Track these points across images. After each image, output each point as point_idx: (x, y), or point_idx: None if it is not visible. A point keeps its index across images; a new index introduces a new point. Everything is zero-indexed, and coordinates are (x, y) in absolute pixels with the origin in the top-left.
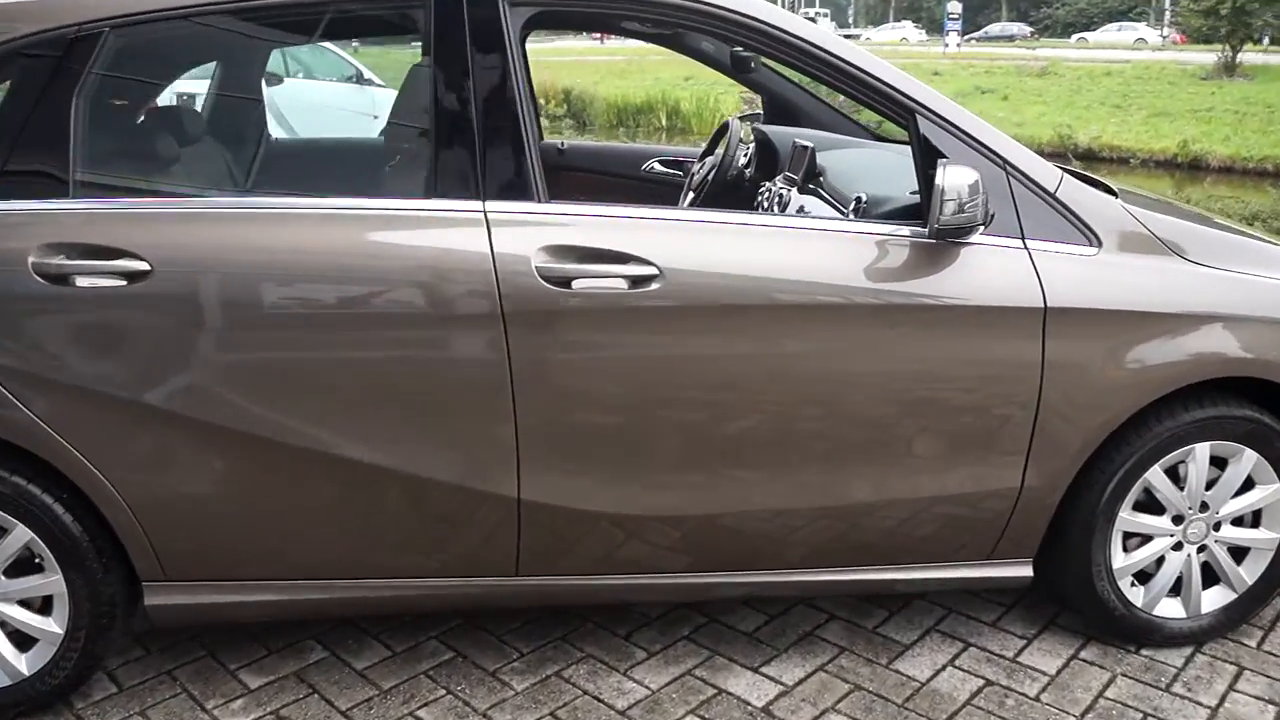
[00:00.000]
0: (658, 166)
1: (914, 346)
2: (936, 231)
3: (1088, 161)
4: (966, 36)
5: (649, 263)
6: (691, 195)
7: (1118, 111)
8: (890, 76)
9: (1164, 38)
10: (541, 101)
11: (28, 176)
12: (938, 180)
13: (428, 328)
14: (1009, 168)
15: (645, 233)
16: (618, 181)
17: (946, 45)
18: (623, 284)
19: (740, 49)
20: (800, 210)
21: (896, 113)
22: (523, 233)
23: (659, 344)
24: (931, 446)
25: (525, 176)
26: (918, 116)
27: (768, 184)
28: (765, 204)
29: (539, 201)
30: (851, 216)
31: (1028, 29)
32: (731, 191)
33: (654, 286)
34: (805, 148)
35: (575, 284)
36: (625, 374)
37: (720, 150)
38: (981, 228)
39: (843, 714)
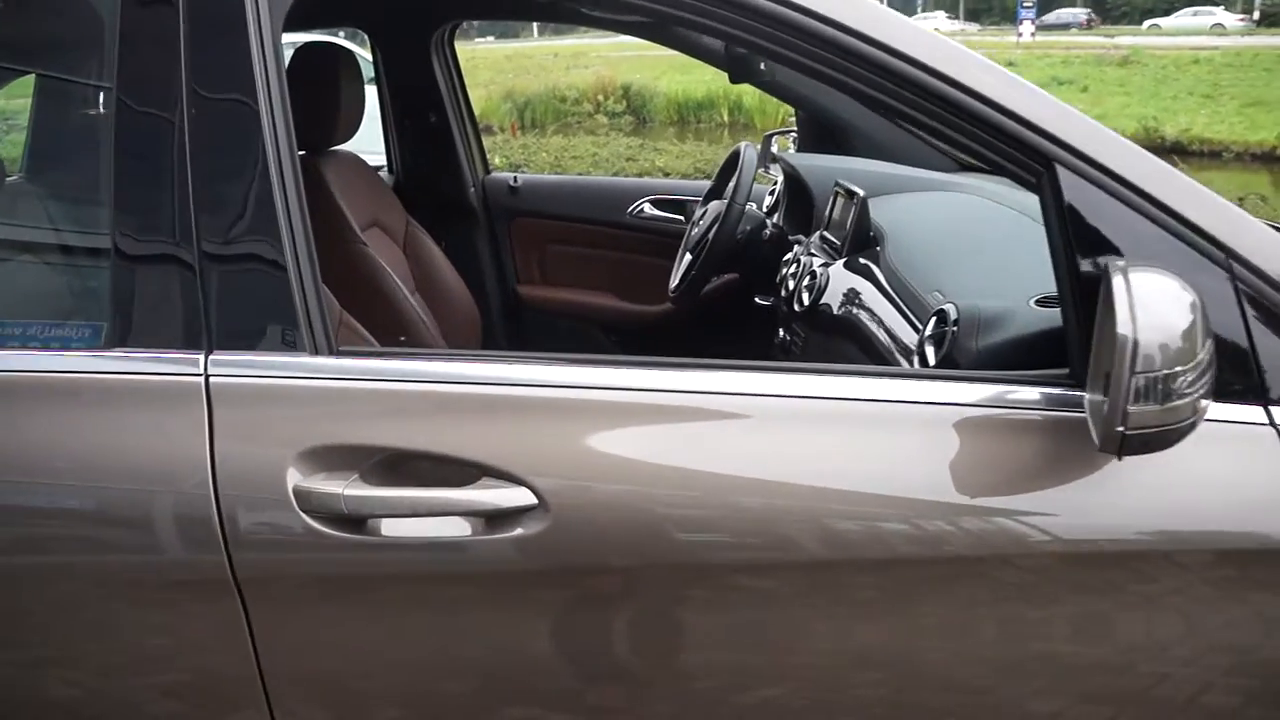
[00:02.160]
0: (649, 209)
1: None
2: (1118, 441)
3: (1179, 158)
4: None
5: (521, 481)
6: (687, 260)
7: (1208, 102)
8: (1012, 95)
9: (1255, 22)
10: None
11: None
12: (1117, 321)
13: (108, 599)
14: (1235, 262)
15: (521, 418)
16: (592, 232)
17: (1020, 34)
18: (465, 526)
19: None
20: (849, 307)
21: (1014, 159)
22: (277, 418)
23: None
24: None
25: (290, 300)
26: (1059, 169)
27: (797, 248)
28: (790, 288)
29: (317, 352)
30: (927, 348)
31: (1083, 15)
32: (743, 258)
33: (523, 530)
34: (852, 195)
35: (380, 526)
36: None
37: (728, 194)
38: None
39: None
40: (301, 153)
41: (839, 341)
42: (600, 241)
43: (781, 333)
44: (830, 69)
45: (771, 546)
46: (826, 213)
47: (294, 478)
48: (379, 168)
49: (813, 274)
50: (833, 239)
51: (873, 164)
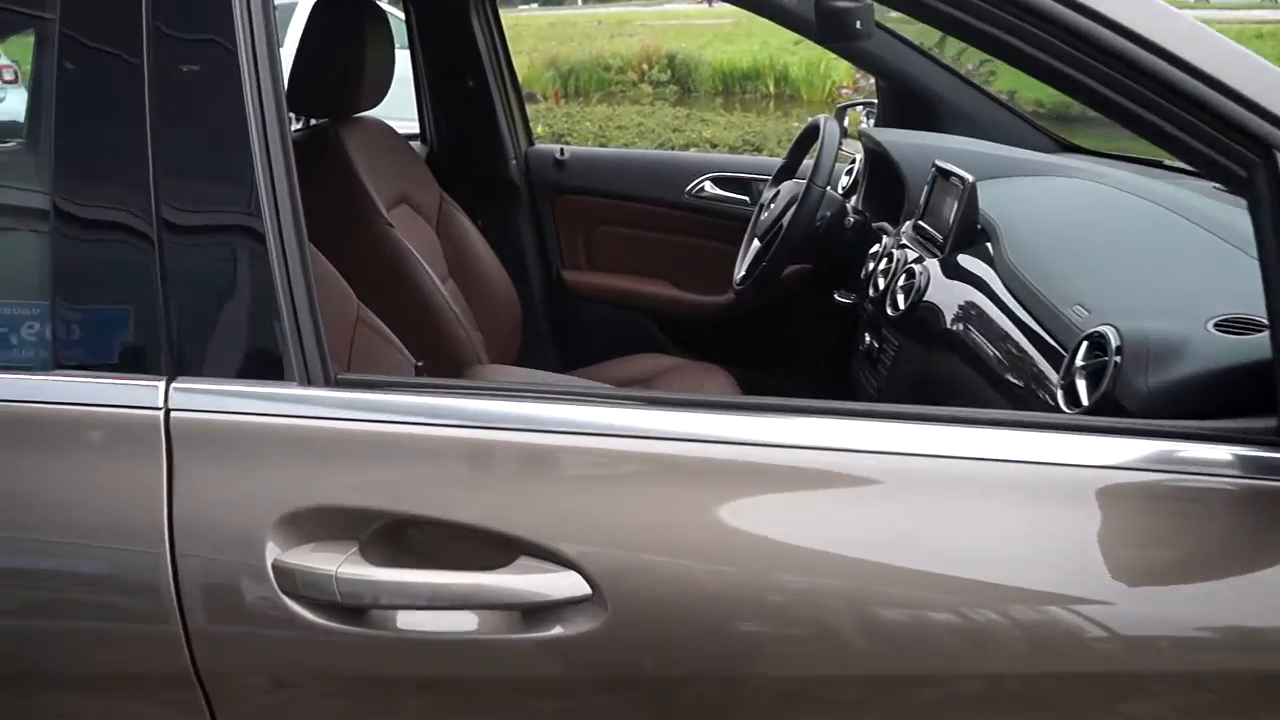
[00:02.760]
0: (710, 188)
1: None
2: None
3: None
4: None
5: (571, 564)
6: (755, 247)
7: None
8: (1230, 67)
9: None
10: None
11: None
12: None
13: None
14: None
15: (573, 479)
16: (646, 212)
17: None
18: (496, 622)
19: None
20: (958, 318)
21: (1219, 145)
22: (255, 468)
23: None
24: None
25: (275, 312)
26: None
27: (886, 240)
28: (879, 287)
29: (310, 381)
30: (1079, 383)
31: None
32: (821, 248)
33: (572, 628)
34: (955, 179)
35: (385, 619)
36: None
37: (804, 174)
38: None
39: None
40: (322, 120)
41: (943, 357)
42: (655, 223)
43: (868, 338)
44: (997, 28)
45: (912, 653)
46: (922, 199)
47: (274, 549)
48: (411, 137)
49: (909, 272)
50: (931, 231)
51: (970, 142)
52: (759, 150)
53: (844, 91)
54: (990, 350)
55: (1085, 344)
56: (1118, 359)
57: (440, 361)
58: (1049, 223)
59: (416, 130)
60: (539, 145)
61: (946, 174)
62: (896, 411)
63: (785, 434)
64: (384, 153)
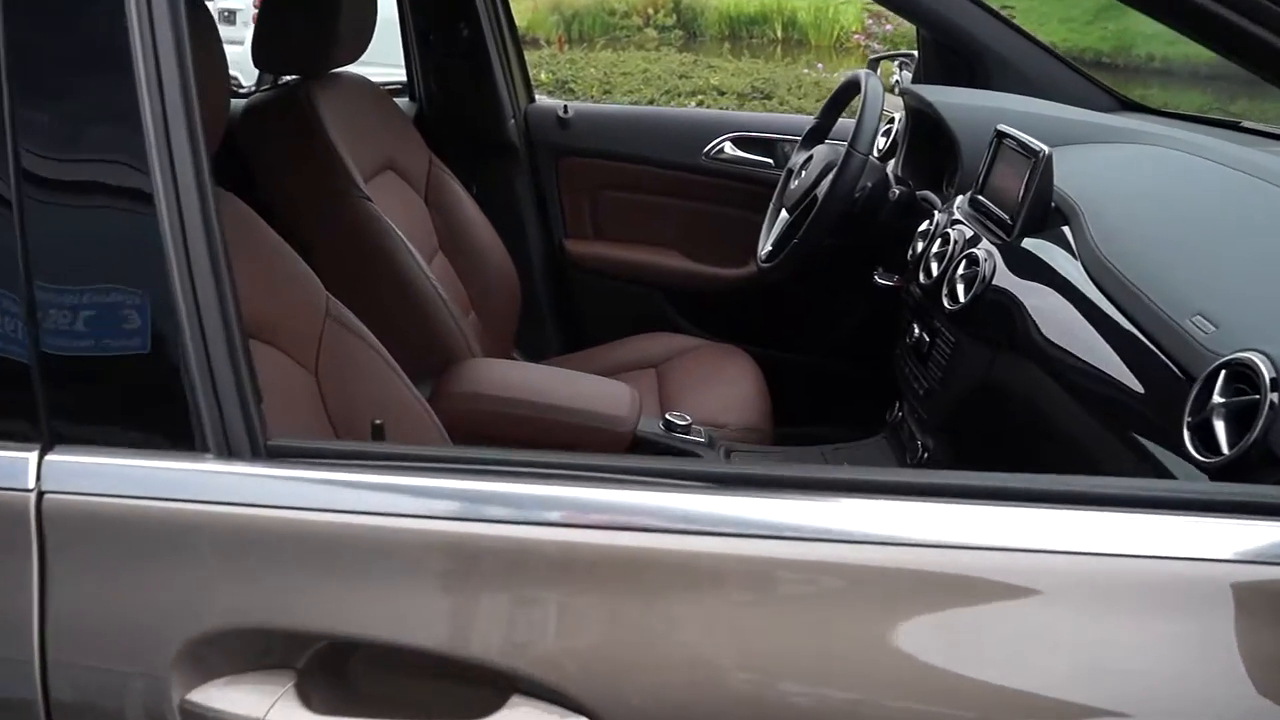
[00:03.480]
0: (730, 149)
1: None
2: None
3: None
4: None
5: (580, 708)
6: (784, 219)
7: None
8: None
9: None
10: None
11: None
12: None
13: None
14: None
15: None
16: (659, 176)
17: None
18: None
19: None
20: (1038, 321)
21: None
22: (155, 571)
23: None
24: None
25: (183, 361)
26: None
27: (939, 216)
28: (933, 273)
29: (231, 452)
30: (1217, 426)
31: None
32: (860, 223)
33: None
34: (1024, 149)
35: None
36: None
37: (850, 136)
38: None
39: None
40: (292, 77)
41: (1013, 363)
42: (668, 188)
43: (916, 329)
44: None
45: None
46: (981, 170)
47: (181, 683)
48: (396, 92)
49: (971, 258)
50: (994, 209)
51: (1031, 102)
52: (768, 98)
53: (856, 38)
54: (1078, 362)
55: (1222, 375)
56: (1275, 397)
57: (425, 357)
58: (1141, 203)
59: (403, 78)
60: (540, 101)
61: (1012, 141)
62: (1028, 488)
63: (904, 522)
64: (365, 114)
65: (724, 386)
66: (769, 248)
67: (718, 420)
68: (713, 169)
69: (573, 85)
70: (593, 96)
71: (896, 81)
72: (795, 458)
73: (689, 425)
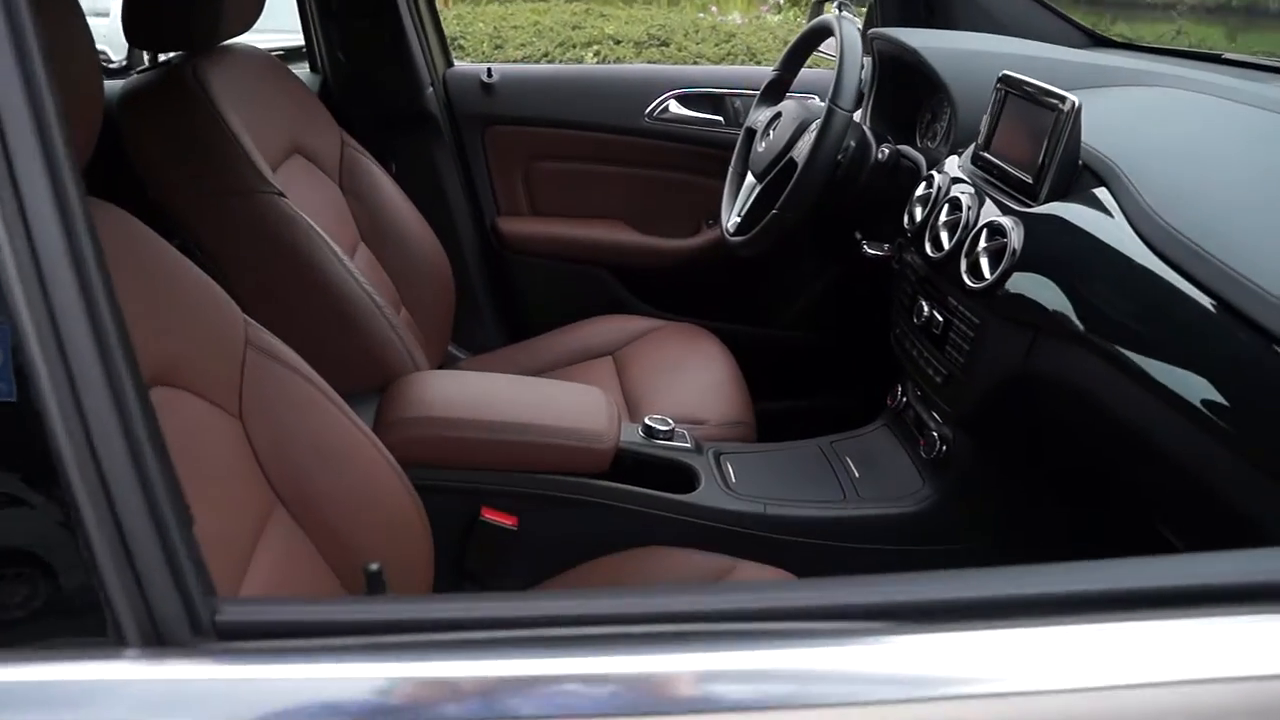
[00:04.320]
0: (675, 108)
1: None
2: None
3: None
4: None
5: None
6: (751, 186)
7: None
8: None
9: None
10: None
11: None
12: None
13: None
14: None
15: None
16: (596, 141)
17: None
18: None
19: None
20: (1101, 303)
21: None
22: None
23: None
24: None
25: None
26: None
27: (938, 177)
28: (944, 243)
29: (161, 639)
30: None
31: None
32: (844, 187)
33: None
34: (1053, 102)
35: None
36: None
37: (829, 91)
38: None
39: None
40: (173, 54)
41: (1061, 350)
42: (609, 154)
43: (926, 308)
44: None
45: None
46: (984, 124)
47: None
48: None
49: (995, 228)
50: (1009, 169)
51: (1024, 44)
52: (665, 45)
53: None
54: (1144, 344)
55: None
56: None
57: (362, 375)
58: (1184, 156)
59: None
60: (460, 65)
61: (1024, 90)
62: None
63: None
64: (263, 91)
65: (694, 373)
66: (736, 219)
67: (696, 416)
68: (657, 130)
69: (462, 42)
70: (483, 53)
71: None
72: (794, 457)
73: (671, 430)
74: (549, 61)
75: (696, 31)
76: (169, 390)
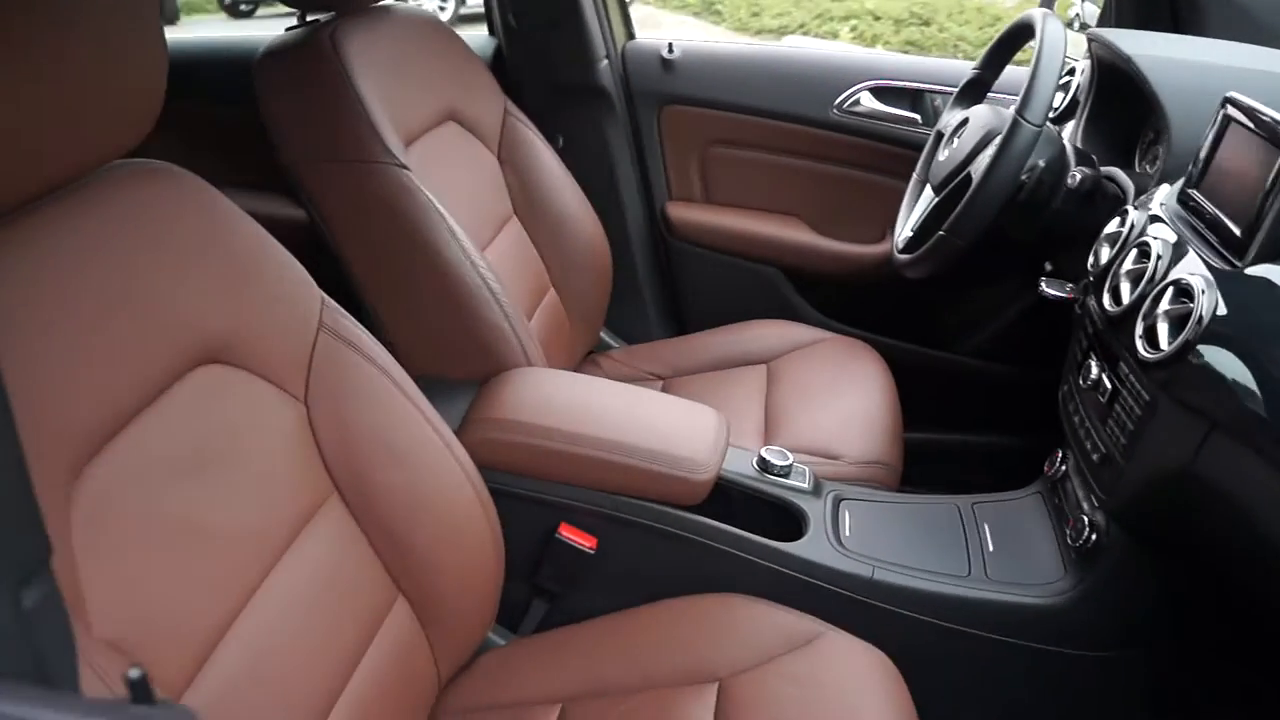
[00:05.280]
0: (868, 101)
1: None
2: None
3: None
4: None
5: None
6: (928, 199)
7: None
8: None
9: None
10: None
11: None
12: None
13: None
14: None
15: None
16: (780, 130)
17: None
18: None
19: None
20: None
21: None
22: None
23: None
24: None
25: None
26: None
27: (1133, 215)
28: (1125, 298)
29: None
30: None
31: None
32: (1028, 215)
33: None
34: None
35: None
36: None
37: (1021, 96)
38: None
39: None
40: (320, 16)
41: (1238, 455)
42: (792, 145)
43: (1094, 369)
44: None
45: None
46: (1200, 156)
47: None
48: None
49: (1182, 288)
50: (1218, 214)
51: (1257, 55)
52: (926, 24)
53: None
54: None
55: None
56: None
57: (468, 362)
58: None
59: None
60: (641, 39)
61: (1248, 118)
62: None
63: None
64: (416, 55)
65: (845, 398)
66: (908, 233)
67: (831, 450)
68: (846, 124)
69: (719, 6)
70: (739, 20)
71: (1077, 17)
72: (925, 515)
73: (789, 466)
74: (804, 33)
75: (961, 11)
76: (222, 368)
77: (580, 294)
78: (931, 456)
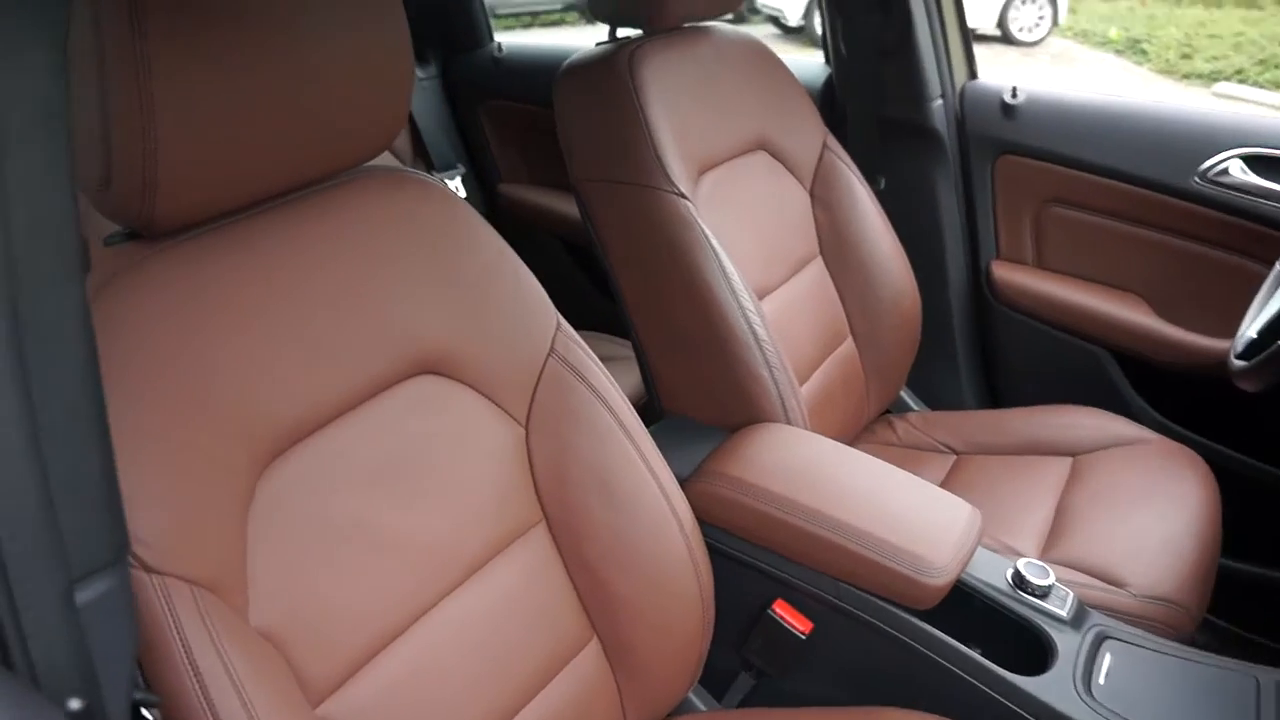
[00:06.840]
0: (1237, 171)
1: None
2: None
3: None
4: None
5: None
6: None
7: None
8: None
9: None
10: None
11: None
12: None
13: None
14: None
15: None
16: (1131, 195)
17: None
18: None
19: None
20: None
21: None
22: None
23: None
24: None
25: None
26: None
27: None
28: None
29: None
30: None
31: None
32: None
33: None
34: None
35: None
36: None
37: None
38: None
39: None
40: (631, 32)
41: None
42: (1142, 212)
43: None
44: None
45: None
46: None
47: None
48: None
49: None
50: None
51: None
52: None
53: None
54: None
55: None
56: None
57: (719, 407)
58: None
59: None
60: (983, 80)
61: None
62: None
63: None
64: (728, 81)
65: (1152, 516)
66: (1252, 334)
67: (1114, 574)
68: (1208, 196)
69: (1145, 45)
70: (1167, 61)
71: None
72: (1207, 680)
73: (1049, 588)
74: (1240, 81)
75: None
76: (441, 380)
77: (881, 347)
78: (1250, 592)
